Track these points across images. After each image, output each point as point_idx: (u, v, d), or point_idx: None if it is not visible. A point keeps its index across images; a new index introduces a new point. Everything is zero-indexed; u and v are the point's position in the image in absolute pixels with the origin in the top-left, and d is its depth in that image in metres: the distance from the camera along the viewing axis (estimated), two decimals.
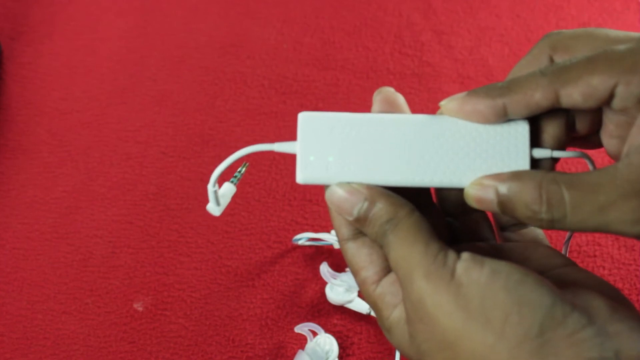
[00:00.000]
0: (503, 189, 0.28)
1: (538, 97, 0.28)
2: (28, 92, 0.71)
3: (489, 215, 0.35)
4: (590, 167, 0.32)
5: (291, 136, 0.65)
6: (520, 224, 0.34)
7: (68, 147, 0.67)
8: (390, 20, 0.75)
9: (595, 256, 0.57)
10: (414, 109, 0.68)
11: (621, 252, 0.57)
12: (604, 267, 0.56)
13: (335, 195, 0.30)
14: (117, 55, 0.74)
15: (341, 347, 0.53)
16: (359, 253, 0.31)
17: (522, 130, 0.30)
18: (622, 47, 0.27)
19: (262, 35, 0.75)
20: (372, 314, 0.53)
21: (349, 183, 0.30)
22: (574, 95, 0.28)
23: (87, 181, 0.64)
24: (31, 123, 0.69)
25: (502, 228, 0.35)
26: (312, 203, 0.60)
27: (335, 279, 0.53)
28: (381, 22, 0.75)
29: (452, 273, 0.27)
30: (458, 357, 0.26)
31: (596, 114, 0.30)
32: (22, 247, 0.60)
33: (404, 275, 0.28)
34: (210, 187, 0.35)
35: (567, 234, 0.35)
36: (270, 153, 0.65)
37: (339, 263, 0.56)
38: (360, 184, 0.30)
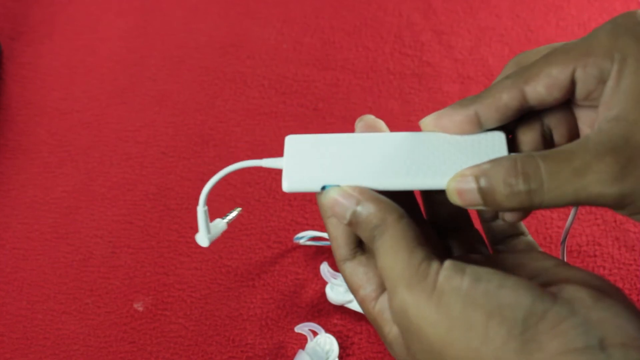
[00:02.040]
0: (481, 174, 0.28)
1: (505, 98, 0.29)
2: (28, 92, 0.71)
3: (482, 231, 0.35)
4: None
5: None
6: (513, 235, 0.34)
7: (68, 147, 0.67)
8: (390, 20, 0.75)
9: (595, 256, 0.57)
10: (414, 109, 0.68)
11: (621, 252, 0.57)
12: (604, 267, 0.56)
13: (329, 198, 0.30)
14: (117, 55, 0.74)
15: (341, 347, 0.53)
16: (356, 272, 0.32)
17: (499, 139, 0.31)
18: (576, 40, 0.29)
19: (262, 35, 0.75)
20: None
21: (341, 186, 0.30)
22: (537, 88, 0.29)
23: (87, 181, 0.64)
24: (31, 123, 0.69)
25: (495, 242, 0.35)
26: (312, 203, 0.60)
27: (335, 278, 0.53)
28: (381, 22, 0.75)
29: (434, 283, 0.27)
30: None
31: (571, 121, 0.31)
32: (22, 247, 0.60)
33: (389, 285, 0.28)
34: (201, 208, 0.35)
35: (563, 234, 0.35)
36: (270, 153, 0.65)
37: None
38: (353, 188, 0.30)
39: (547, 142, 0.31)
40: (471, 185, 0.29)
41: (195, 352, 0.54)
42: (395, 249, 0.28)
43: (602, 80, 0.28)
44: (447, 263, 0.27)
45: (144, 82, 0.72)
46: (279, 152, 0.64)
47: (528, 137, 0.31)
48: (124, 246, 0.60)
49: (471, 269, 0.27)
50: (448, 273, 0.27)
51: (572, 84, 0.28)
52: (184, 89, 0.71)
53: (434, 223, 0.35)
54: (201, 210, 0.35)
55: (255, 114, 0.68)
